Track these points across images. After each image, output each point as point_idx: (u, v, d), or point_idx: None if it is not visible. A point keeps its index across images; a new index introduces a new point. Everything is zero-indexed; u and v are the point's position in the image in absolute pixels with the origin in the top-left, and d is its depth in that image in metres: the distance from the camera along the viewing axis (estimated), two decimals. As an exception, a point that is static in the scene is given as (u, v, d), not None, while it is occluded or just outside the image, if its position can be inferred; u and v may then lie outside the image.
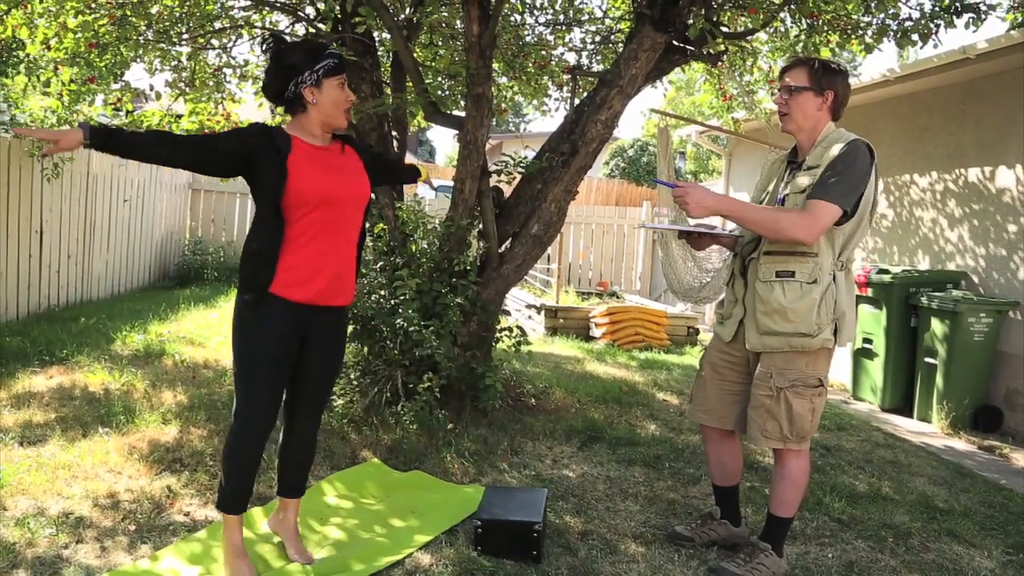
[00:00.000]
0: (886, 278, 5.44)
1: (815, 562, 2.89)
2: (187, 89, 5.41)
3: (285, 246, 2.37)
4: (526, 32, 5.63)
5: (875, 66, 45.28)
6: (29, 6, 4.58)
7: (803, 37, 4.75)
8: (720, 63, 4.74)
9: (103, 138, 2.14)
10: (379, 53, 4.89)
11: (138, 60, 5.05)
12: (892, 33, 4.27)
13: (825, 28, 4.59)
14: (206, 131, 5.75)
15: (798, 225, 2.49)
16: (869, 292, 5.58)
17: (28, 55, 4.88)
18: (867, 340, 5.66)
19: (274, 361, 2.43)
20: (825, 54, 4.87)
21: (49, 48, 4.72)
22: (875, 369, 5.63)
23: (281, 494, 2.75)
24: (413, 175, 3.09)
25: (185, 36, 5.06)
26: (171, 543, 2.71)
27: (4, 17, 4.59)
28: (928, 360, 5.22)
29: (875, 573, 2.85)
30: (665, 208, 8.38)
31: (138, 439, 3.65)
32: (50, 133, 2.14)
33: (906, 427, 5.11)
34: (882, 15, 4.33)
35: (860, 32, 4.52)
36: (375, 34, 4.78)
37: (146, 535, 2.77)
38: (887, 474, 3.96)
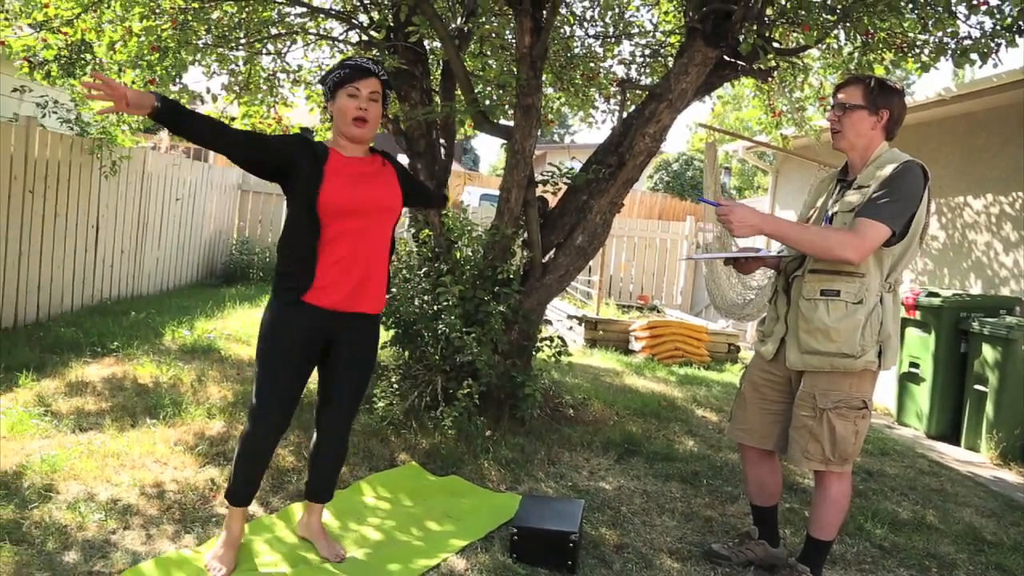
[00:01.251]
0: (936, 301, 5.33)
1: (855, 587, 2.84)
2: (242, 93, 5.54)
3: (318, 254, 2.44)
4: (576, 44, 5.65)
5: (929, 85, 44.42)
6: (99, 11, 4.74)
7: (856, 54, 4.69)
8: (770, 79, 4.70)
9: (170, 112, 2.23)
10: (429, 61, 4.96)
11: (197, 63, 5.20)
12: (950, 52, 4.19)
13: (880, 46, 4.52)
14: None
15: (846, 245, 2.45)
16: (917, 315, 5.47)
17: (95, 57, 5.04)
18: (914, 364, 5.54)
19: (291, 364, 2.49)
20: (879, 72, 4.81)
21: (115, 51, 4.88)
22: (921, 394, 5.50)
23: (307, 497, 2.78)
24: (440, 202, 3.40)
25: (242, 41, 5.19)
26: (214, 534, 2.77)
27: (75, 21, 4.76)
28: (978, 387, 5.09)
29: (917, 602, 2.79)
30: (710, 224, 8.32)
31: (184, 431, 3.74)
32: (121, 90, 2.16)
33: (953, 455, 4.99)
34: (940, 33, 4.25)
35: (916, 50, 4.45)
36: (426, 43, 4.85)
37: (190, 525, 2.84)
38: (932, 502, 3.87)
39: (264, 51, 5.46)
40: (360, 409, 4.22)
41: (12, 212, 5.54)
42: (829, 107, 2.67)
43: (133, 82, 5.14)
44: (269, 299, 2.54)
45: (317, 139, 6.07)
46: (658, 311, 9.69)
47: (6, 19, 4.83)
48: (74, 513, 2.81)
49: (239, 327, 6.47)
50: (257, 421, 2.51)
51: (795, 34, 4.81)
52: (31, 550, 2.54)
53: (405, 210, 3.45)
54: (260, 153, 2.44)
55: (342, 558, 2.70)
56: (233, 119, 5.82)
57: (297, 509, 3.02)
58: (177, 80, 5.25)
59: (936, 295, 5.39)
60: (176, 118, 2.26)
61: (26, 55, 4.93)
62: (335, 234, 2.44)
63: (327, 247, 2.44)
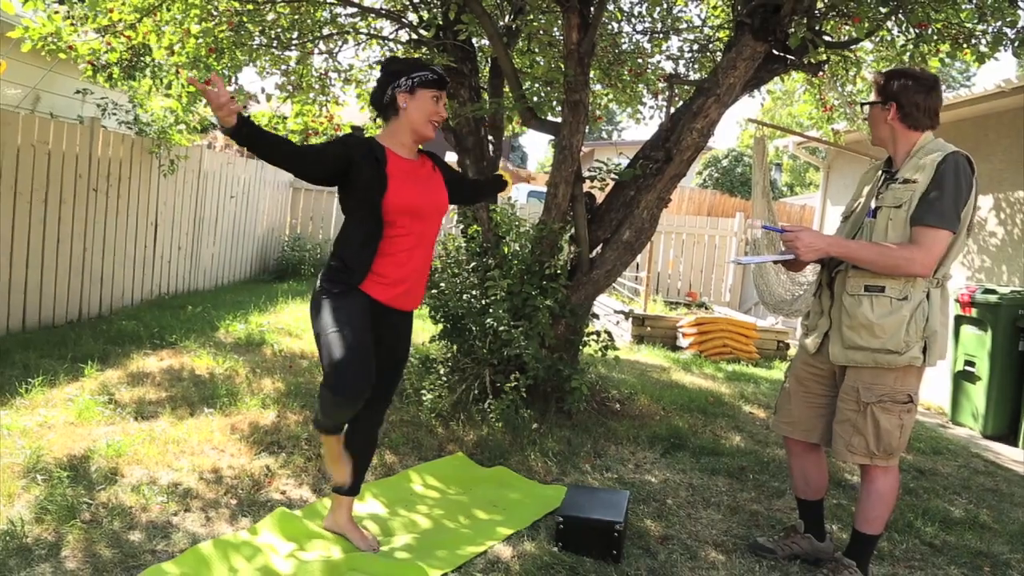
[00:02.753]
0: (992, 298, 5.20)
1: (904, 584, 2.81)
2: (294, 92, 5.68)
3: (378, 253, 2.50)
4: (623, 40, 5.65)
5: (990, 76, 42.95)
6: (158, 14, 4.91)
7: (910, 46, 4.59)
8: (821, 73, 4.64)
9: (248, 135, 2.26)
10: (477, 59, 5.02)
11: (251, 64, 5.35)
12: (1009, 41, 4.08)
13: (935, 37, 4.42)
14: (309, 131, 6.03)
15: (913, 261, 2.45)
16: (973, 312, 5.34)
17: (154, 60, 5.23)
18: (969, 363, 5.41)
19: (355, 318, 2.43)
20: (934, 64, 4.71)
21: (173, 53, 5.05)
22: (977, 393, 5.37)
23: (335, 490, 2.77)
24: (497, 187, 3.09)
25: (295, 41, 5.32)
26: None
27: (136, 24, 4.94)
28: (1037, 386, 4.95)
29: (968, 601, 2.75)
30: (758, 220, 8.23)
31: (240, 420, 3.87)
32: (227, 95, 2.19)
33: (1010, 456, 4.86)
34: (998, 23, 4.14)
35: (973, 41, 4.34)
36: (475, 41, 4.91)
37: (246, 509, 2.95)
38: (986, 502, 3.79)
39: (316, 51, 5.58)
40: (409, 401, 4.31)
41: (77, 209, 5.78)
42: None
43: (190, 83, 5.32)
44: (318, 290, 2.53)
45: (367, 135, 6.17)
46: (706, 308, 9.61)
47: (72, 24, 5.04)
48: (138, 495, 2.94)
49: (291, 321, 6.63)
50: (337, 372, 2.32)
51: (846, 27, 4.73)
52: (99, 529, 2.67)
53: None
54: (326, 164, 2.45)
55: (376, 548, 2.72)
56: (286, 118, 5.97)
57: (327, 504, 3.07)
58: (233, 80, 5.42)
59: (993, 292, 5.26)
60: (253, 140, 2.29)
61: (91, 58, 5.14)
62: (396, 235, 2.51)
63: (387, 247, 2.50)
